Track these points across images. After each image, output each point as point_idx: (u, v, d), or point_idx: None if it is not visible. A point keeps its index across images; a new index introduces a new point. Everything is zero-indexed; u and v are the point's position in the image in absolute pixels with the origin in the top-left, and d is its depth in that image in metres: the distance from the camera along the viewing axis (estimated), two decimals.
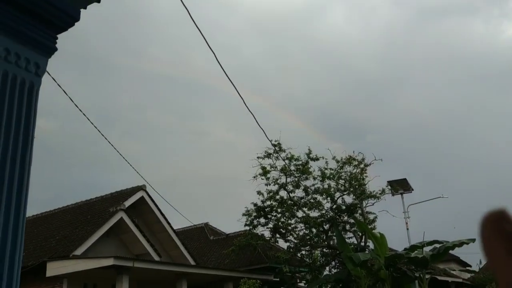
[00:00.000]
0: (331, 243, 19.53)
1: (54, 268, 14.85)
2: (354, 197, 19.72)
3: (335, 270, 19.89)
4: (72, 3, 2.67)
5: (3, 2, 2.27)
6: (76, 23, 2.66)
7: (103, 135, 9.03)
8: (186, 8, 4.89)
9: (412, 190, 23.71)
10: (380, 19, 51.11)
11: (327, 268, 20.33)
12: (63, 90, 7.06)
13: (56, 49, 2.52)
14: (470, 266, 31.58)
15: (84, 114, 7.65)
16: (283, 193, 20.12)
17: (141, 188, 18.70)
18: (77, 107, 7.08)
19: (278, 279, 20.29)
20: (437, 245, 13.15)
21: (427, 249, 13.28)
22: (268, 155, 19.74)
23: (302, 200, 20.11)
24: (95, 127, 8.57)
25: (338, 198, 19.97)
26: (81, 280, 15.92)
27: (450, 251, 13.82)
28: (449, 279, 24.68)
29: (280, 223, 20.17)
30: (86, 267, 14.70)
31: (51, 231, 18.09)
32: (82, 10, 2.73)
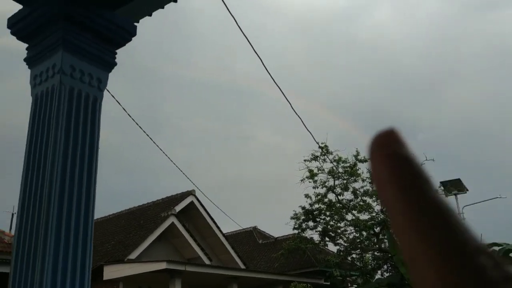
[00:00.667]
0: (383, 246, 19.09)
1: (111, 272, 15.41)
2: None
3: (387, 274, 19.40)
4: (128, 19, 2.79)
5: (68, 23, 2.41)
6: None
7: (154, 142, 9.32)
8: (233, 17, 4.97)
9: (467, 190, 22.76)
10: (426, 14, 49.60)
11: (379, 271, 19.87)
12: (117, 101, 7.36)
13: (115, 64, 2.64)
14: None
15: (136, 123, 7.94)
16: (331, 196, 19.91)
17: (191, 193, 19.07)
18: (130, 116, 7.37)
19: (328, 283, 20.05)
20: (496, 248, 12.57)
21: None
22: (315, 158, 19.60)
23: (351, 203, 19.81)
24: (147, 135, 8.86)
25: None
26: (136, 283, 16.42)
27: (511, 254, 13.17)
28: None
29: (329, 226, 19.94)
30: (140, 270, 15.15)
31: (107, 236, 18.79)
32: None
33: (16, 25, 2.61)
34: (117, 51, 2.71)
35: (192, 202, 19.16)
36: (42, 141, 2.29)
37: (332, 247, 21.08)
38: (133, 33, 2.71)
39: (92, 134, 2.39)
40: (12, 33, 2.64)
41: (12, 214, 29.33)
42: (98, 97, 2.50)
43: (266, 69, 6.59)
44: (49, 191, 2.14)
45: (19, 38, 2.64)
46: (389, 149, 0.33)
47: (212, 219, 19.66)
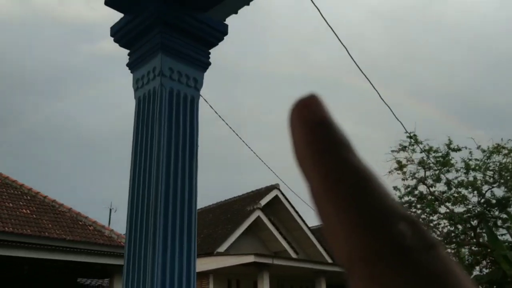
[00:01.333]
0: (481, 240, 17.87)
1: (201, 264, 16.05)
2: (505, 189, 17.78)
3: (487, 270, 18.15)
4: (216, 18, 2.86)
5: (165, 27, 2.52)
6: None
7: (240, 137, 9.52)
8: (317, 7, 4.89)
9: None
10: None
11: (478, 268, 18.66)
12: (204, 99, 7.60)
13: (210, 64, 2.72)
14: None
15: (223, 120, 8.16)
16: (422, 188, 19.01)
17: (275, 187, 19.25)
18: (217, 113, 7.59)
19: None
20: None
21: None
22: (404, 148, 18.82)
23: (445, 195, 18.75)
24: (233, 130, 9.08)
25: (486, 191, 18.20)
26: (225, 276, 16.96)
27: None
28: None
29: (420, 219, 19.08)
30: (229, 263, 15.61)
31: (197, 230, 19.60)
32: None
33: (118, 33, 2.79)
34: (210, 50, 2.79)
35: (276, 196, 19.34)
36: (147, 140, 2.42)
37: None
38: (225, 32, 2.78)
39: (191, 132, 2.49)
40: (115, 41, 2.82)
41: (110, 210, 31.72)
42: (195, 96, 2.60)
43: (352, 58, 6.42)
44: (156, 188, 2.27)
45: (121, 45, 2.82)
46: (307, 114, 0.30)
47: (297, 212, 19.71)
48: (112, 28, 2.83)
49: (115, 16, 2.78)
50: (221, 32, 2.76)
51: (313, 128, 0.29)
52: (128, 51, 2.80)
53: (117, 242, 13.53)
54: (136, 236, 2.30)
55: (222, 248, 16.86)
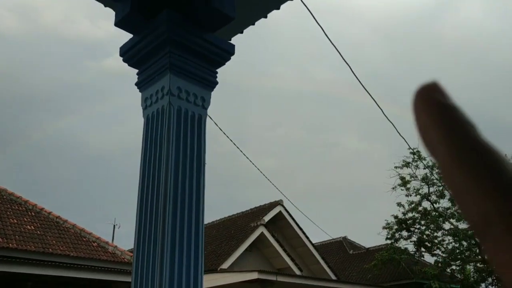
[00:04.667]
0: (486, 257, 17.71)
1: (206, 281, 15.82)
2: None
3: None
4: (224, 38, 2.93)
5: (174, 47, 2.59)
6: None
7: (243, 153, 9.58)
8: (320, 25, 4.99)
9: None
10: None
11: (483, 285, 18.45)
12: (209, 116, 7.68)
13: (217, 83, 2.79)
14: None
15: (227, 136, 8.22)
16: (426, 204, 18.93)
17: (279, 203, 19.21)
18: (221, 130, 7.66)
19: None
20: None
21: None
22: (407, 164, 18.81)
23: (449, 211, 18.66)
24: (237, 146, 9.14)
25: None
26: None
27: None
28: None
29: (424, 236, 18.96)
30: (232, 280, 15.49)
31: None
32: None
33: (127, 53, 2.86)
34: (217, 70, 2.85)
35: (280, 212, 19.28)
36: (156, 158, 2.47)
37: (428, 258, 20.00)
38: (232, 52, 2.84)
39: (199, 149, 2.54)
40: (124, 61, 2.89)
41: (114, 226, 31.64)
42: (203, 114, 2.65)
43: (355, 74, 6.50)
44: (164, 204, 2.30)
45: (130, 65, 2.88)
46: (432, 98, 0.34)
47: (300, 228, 19.62)
48: (121, 49, 2.90)
49: (120, 33, 2.85)
50: (228, 52, 2.82)
51: (440, 109, 0.34)
52: (136, 70, 2.87)
53: (121, 259, 13.50)
54: (144, 253, 2.33)
55: (225, 265, 16.76)
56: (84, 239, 13.66)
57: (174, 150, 2.42)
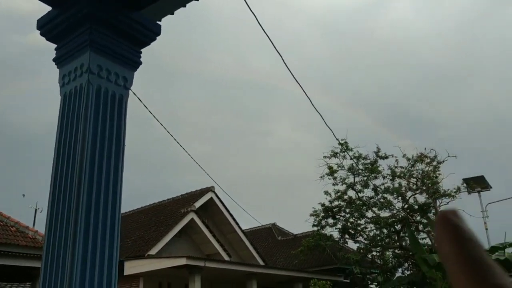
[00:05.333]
0: (404, 244, 18.91)
1: (132, 267, 15.64)
2: (427, 196, 18.97)
3: (408, 272, 19.22)
4: (151, 18, 2.84)
5: (95, 23, 2.47)
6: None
7: (174, 138, 9.42)
8: (254, 14, 4.99)
9: (491, 187, 22.30)
10: (448, 10, 48.71)
11: (400, 269, 19.70)
12: (138, 98, 7.46)
13: (141, 63, 2.70)
14: None
15: (157, 120, 8.03)
16: (351, 193, 19.80)
17: (210, 189, 19.20)
18: (151, 113, 7.46)
19: (348, 281, 19.99)
20: None
21: (509, 250, 12.49)
22: (335, 154, 19.51)
23: (372, 200, 19.66)
24: (168, 131, 8.97)
25: (410, 198, 19.31)
26: (156, 279, 16.64)
27: None
28: None
29: (349, 223, 19.85)
30: (160, 266, 15.34)
31: (127, 232, 19.07)
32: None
33: (45, 26, 2.69)
34: (141, 50, 2.76)
35: (211, 199, 19.29)
36: (71, 138, 2.36)
37: (352, 245, 21.00)
38: (158, 33, 2.76)
39: (118, 131, 2.45)
40: (42, 34, 2.72)
41: (36, 210, 30.02)
42: (124, 95, 2.56)
43: (286, 65, 6.59)
44: (78, 187, 2.21)
45: (48, 39, 2.72)
46: (451, 220, 0.51)
47: (231, 215, 19.77)
48: (39, 21, 2.72)
49: (47, 8, 2.68)
50: (154, 32, 2.74)
51: (456, 230, 0.50)
52: (55, 45, 2.71)
53: (42, 244, 12.85)
54: (55, 239, 2.23)
55: (154, 251, 16.52)
56: (1, 223, 12.84)
57: (91, 131, 2.32)
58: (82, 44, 2.50)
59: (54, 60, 2.68)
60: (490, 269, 0.47)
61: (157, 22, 2.93)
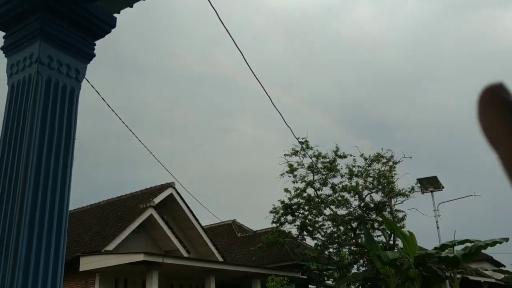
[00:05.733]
0: (359, 241, 19.39)
1: (87, 263, 15.28)
2: (382, 195, 19.52)
3: (363, 269, 19.74)
4: (108, 10, 2.78)
5: (47, 12, 2.39)
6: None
7: (134, 133, 9.25)
8: (214, 9, 4.97)
9: (443, 188, 23.21)
10: (407, 14, 50.17)
11: (355, 266, 20.20)
12: (96, 91, 7.27)
13: (94, 55, 2.63)
14: (504, 266, 30.75)
15: (116, 114, 7.86)
16: (310, 191, 20.11)
17: (170, 185, 19.00)
18: (109, 106, 7.29)
19: (305, 277, 20.29)
20: (469, 244, 12.90)
21: (458, 248, 13.05)
22: (295, 153, 19.75)
23: (330, 198, 20.04)
24: (126, 126, 8.79)
25: (366, 196, 19.83)
26: (112, 275, 16.32)
27: (483, 251, 13.51)
28: (482, 279, 24.10)
29: (307, 220, 20.15)
30: (117, 262, 15.05)
31: (84, 227, 18.60)
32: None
33: None
34: (96, 42, 2.69)
35: (171, 194, 19.09)
36: (18, 131, 2.27)
37: (310, 241, 21.33)
38: (113, 25, 2.70)
39: (68, 125, 2.38)
40: None
41: None
42: (76, 88, 2.49)
43: (246, 62, 6.61)
44: (23, 182, 2.13)
45: None
46: (500, 97, 0.41)
47: (191, 211, 19.64)
48: None
49: None
50: (109, 24, 2.68)
51: (508, 107, 0.40)
52: (3, 33, 2.60)
53: None
54: None
55: (111, 247, 16.18)
56: None
57: (39, 124, 2.25)
58: (33, 33, 2.41)
59: (1, 48, 2.58)
60: None
61: (114, 14, 2.87)
